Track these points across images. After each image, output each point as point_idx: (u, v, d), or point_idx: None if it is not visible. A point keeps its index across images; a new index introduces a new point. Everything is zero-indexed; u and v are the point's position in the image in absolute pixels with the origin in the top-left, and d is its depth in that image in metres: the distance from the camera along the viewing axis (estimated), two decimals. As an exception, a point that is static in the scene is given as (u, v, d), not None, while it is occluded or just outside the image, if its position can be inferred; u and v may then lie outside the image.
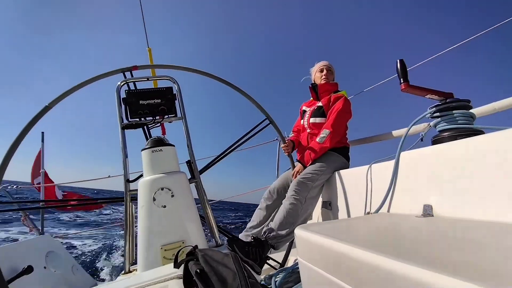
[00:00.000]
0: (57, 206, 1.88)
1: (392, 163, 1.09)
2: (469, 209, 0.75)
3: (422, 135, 1.25)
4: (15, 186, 2.53)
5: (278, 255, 1.74)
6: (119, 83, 1.46)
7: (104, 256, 4.72)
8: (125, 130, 1.42)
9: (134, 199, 1.34)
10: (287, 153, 1.95)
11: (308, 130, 1.96)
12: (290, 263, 1.73)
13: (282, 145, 1.95)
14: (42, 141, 3.17)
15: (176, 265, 0.71)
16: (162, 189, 1.22)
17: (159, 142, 1.34)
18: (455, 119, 0.97)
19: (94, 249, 5.15)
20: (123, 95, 1.47)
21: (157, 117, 1.49)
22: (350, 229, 0.76)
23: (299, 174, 1.75)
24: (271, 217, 1.83)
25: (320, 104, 1.93)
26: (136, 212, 1.30)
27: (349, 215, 1.57)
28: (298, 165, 1.82)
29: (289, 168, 1.91)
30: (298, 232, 0.71)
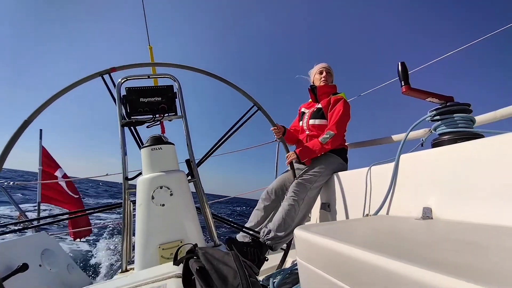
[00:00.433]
0: (58, 221, 1.89)
1: (391, 165, 1.09)
2: (469, 212, 0.76)
3: (422, 140, 1.26)
4: (11, 183, 2.50)
5: (276, 257, 1.73)
6: (119, 80, 1.45)
7: (101, 254, 4.69)
8: (125, 128, 1.42)
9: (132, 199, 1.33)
10: (278, 137, 1.93)
11: (307, 132, 1.97)
12: (288, 264, 1.72)
13: (272, 127, 1.89)
14: (40, 138, 3.16)
15: (176, 263, 0.70)
16: (161, 187, 1.21)
17: (159, 140, 1.33)
18: (455, 123, 0.97)
19: (91, 248, 5.12)
20: (123, 94, 1.46)
21: (157, 115, 1.48)
22: (349, 230, 0.76)
23: (294, 161, 1.80)
24: (269, 218, 1.83)
25: (319, 106, 1.94)
26: (134, 211, 1.29)
27: (347, 217, 1.57)
28: (292, 152, 1.81)
29: (287, 170, 1.90)
30: (298, 232, 0.71)
